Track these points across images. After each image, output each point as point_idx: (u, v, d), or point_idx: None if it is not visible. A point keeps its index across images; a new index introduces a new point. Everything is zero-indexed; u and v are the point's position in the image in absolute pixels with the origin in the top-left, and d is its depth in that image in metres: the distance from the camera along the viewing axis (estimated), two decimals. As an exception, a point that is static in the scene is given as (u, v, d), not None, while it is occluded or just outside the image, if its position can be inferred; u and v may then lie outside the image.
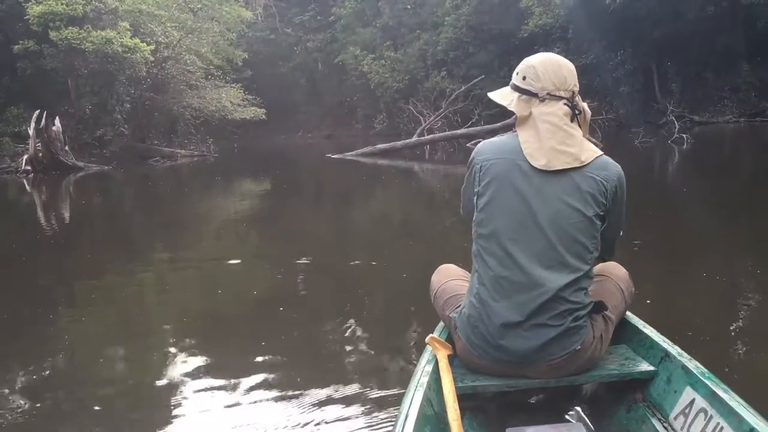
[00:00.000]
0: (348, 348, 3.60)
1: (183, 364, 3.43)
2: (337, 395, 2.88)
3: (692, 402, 1.89)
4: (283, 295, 4.73)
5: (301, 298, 4.71)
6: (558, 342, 1.95)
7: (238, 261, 5.46)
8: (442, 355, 2.07)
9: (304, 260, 5.62)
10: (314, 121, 36.59)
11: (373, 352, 3.54)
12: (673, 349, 2.06)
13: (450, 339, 2.21)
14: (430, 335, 2.17)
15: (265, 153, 24.07)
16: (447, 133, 19.51)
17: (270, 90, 32.69)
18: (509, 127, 20.44)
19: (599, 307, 2.06)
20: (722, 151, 15.79)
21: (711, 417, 1.78)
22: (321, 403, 2.80)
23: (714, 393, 1.80)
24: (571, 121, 2.03)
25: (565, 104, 2.02)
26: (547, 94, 2.02)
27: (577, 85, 2.07)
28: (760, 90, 21.45)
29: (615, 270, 2.30)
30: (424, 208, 9.27)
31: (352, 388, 2.95)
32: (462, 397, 1.93)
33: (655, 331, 2.21)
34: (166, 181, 16.46)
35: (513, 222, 1.98)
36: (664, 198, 8.54)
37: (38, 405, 3.03)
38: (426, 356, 2.11)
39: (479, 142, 2.41)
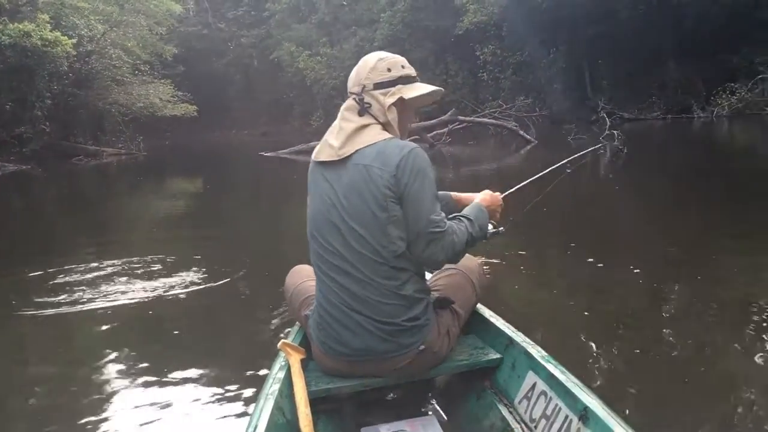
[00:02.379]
0: (217, 363, 3.24)
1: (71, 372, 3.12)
2: (196, 412, 2.63)
3: (534, 385, 1.94)
4: (179, 310, 4.22)
5: (196, 313, 4.17)
6: (395, 341, 1.93)
7: (138, 272, 5.05)
8: (295, 360, 2.03)
9: (212, 268, 5.20)
10: (249, 118, 35.96)
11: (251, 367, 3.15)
12: (518, 336, 2.11)
13: (306, 342, 2.18)
14: (282, 340, 2.11)
15: (198, 151, 23.39)
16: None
17: (203, 86, 31.96)
18: (444, 124, 20.05)
19: (443, 302, 2.08)
20: (651, 147, 16.10)
21: (550, 399, 1.84)
22: (181, 417, 2.59)
23: (552, 375, 1.85)
24: (361, 114, 2.00)
25: (353, 99, 2.03)
26: (349, 93, 2.07)
27: (372, 78, 2.02)
28: (685, 87, 22.06)
29: (466, 261, 2.24)
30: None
31: (215, 402, 2.70)
32: (317, 400, 1.95)
33: (501, 319, 2.26)
34: (87, 180, 15.73)
35: (318, 220, 2.01)
36: (598, 196, 8.54)
37: None
38: (278, 363, 2.06)
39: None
